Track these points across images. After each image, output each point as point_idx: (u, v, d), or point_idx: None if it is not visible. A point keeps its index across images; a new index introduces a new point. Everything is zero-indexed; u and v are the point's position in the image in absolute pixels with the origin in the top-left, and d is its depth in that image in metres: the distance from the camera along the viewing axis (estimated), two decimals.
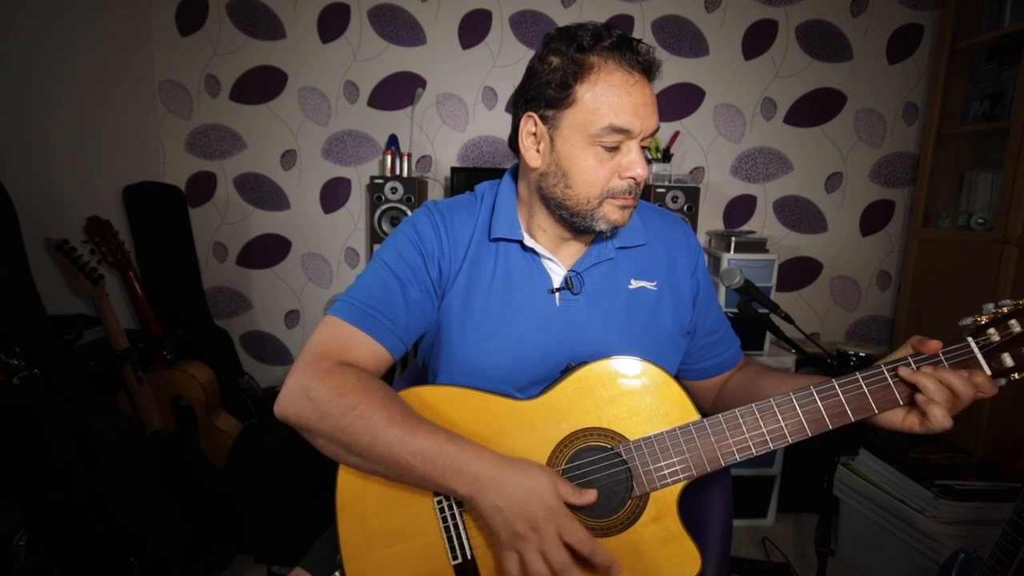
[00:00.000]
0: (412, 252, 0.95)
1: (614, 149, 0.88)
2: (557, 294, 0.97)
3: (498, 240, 0.98)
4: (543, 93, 0.88)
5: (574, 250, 1.00)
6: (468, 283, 0.97)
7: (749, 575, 2.01)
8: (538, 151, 0.92)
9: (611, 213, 0.91)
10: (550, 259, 0.98)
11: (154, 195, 2.36)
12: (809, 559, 2.13)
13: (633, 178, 0.89)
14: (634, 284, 1.00)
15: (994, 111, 2.17)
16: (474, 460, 0.78)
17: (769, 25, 2.52)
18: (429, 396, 0.89)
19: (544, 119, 0.90)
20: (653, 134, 0.90)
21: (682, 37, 2.53)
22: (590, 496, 0.80)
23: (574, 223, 0.93)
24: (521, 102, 0.93)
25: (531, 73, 0.91)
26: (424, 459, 0.78)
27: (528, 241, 0.98)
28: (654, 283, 1.01)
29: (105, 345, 1.89)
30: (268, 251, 2.67)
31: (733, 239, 2.27)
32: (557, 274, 0.99)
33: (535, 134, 0.92)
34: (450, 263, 0.97)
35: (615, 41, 0.86)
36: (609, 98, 0.84)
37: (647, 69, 0.87)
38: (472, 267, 0.97)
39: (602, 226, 0.92)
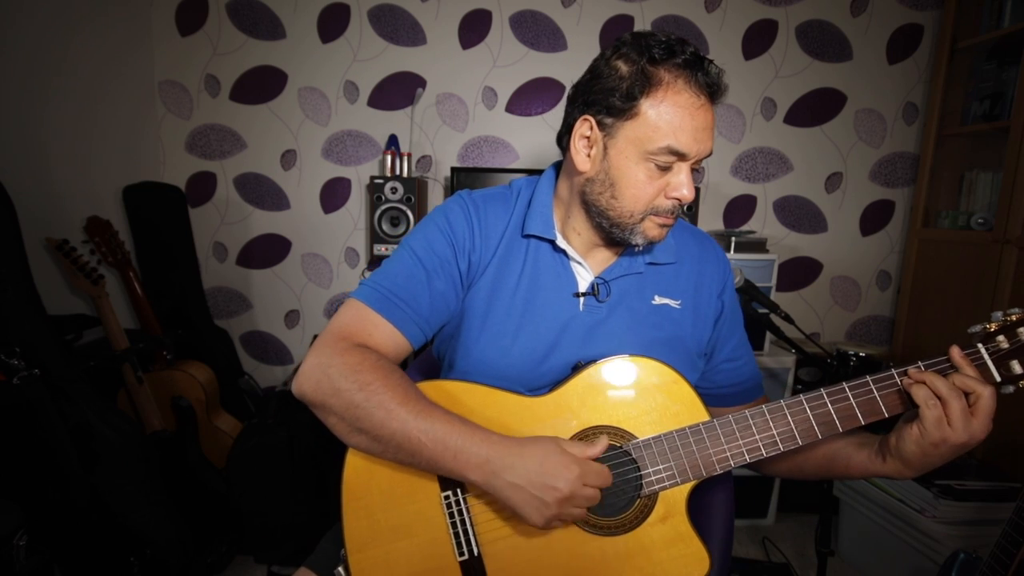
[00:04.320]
0: (442, 243, 0.95)
1: (666, 168, 0.86)
2: (582, 299, 0.96)
3: (530, 237, 0.98)
4: (605, 99, 0.86)
5: (604, 257, 0.99)
6: (496, 278, 0.96)
7: (749, 575, 2.01)
8: (589, 156, 0.90)
9: (650, 230, 0.90)
10: (579, 263, 0.98)
11: (154, 195, 2.36)
12: (809, 559, 2.13)
13: (678, 199, 0.88)
14: (658, 300, 0.99)
15: (994, 111, 2.18)
16: (483, 443, 0.79)
17: (769, 25, 2.52)
18: (443, 387, 0.89)
19: (601, 125, 0.88)
20: (707, 157, 0.88)
21: (682, 37, 2.52)
22: (601, 446, 0.81)
23: (612, 233, 0.92)
24: (579, 102, 0.90)
25: (595, 74, 0.88)
26: (435, 439, 0.79)
27: (560, 242, 0.97)
28: (678, 301, 1.00)
29: (105, 345, 1.88)
30: (268, 251, 2.66)
31: (733, 239, 2.27)
32: (584, 278, 0.98)
33: (588, 138, 0.90)
34: (480, 256, 0.96)
35: (688, 59, 0.83)
36: (672, 118, 0.83)
37: (714, 92, 0.85)
38: (502, 262, 0.97)
39: (639, 240, 0.91)
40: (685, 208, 2.18)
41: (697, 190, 2.26)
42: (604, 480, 0.78)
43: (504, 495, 0.78)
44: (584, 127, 0.90)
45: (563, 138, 0.95)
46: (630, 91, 0.83)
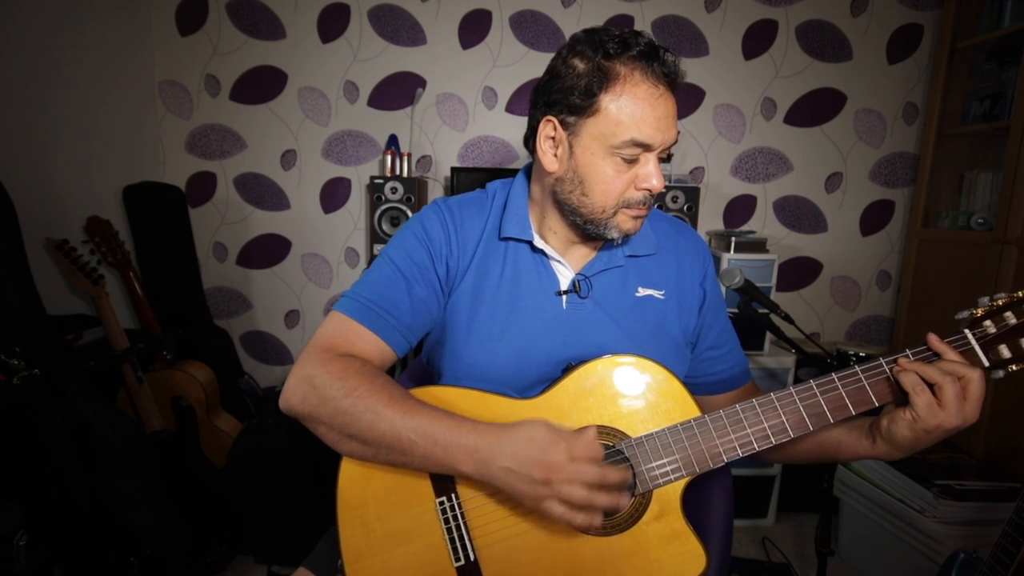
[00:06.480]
0: (419, 250, 0.95)
1: (632, 161, 0.87)
2: (564, 297, 0.97)
3: (508, 240, 0.98)
4: (565, 99, 0.86)
5: (583, 253, 1.00)
6: (476, 282, 0.97)
7: (749, 575, 2.01)
8: (556, 156, 0.91)
9: (624, 223, 0.91)
10: (559, 261, 0.98)
11: (154, 195, 2.36)
12: (809, 559, 2.13)
13: (649, 190, 0.88)
14: (641, 292, 0.99)
15: (994, 111, 2.17)
16: (471, 433, 0.79)
17: (769, 25, 2.52)
18: (434, 393, 0.89)
19: (564, 124, 0.88)
20: (672, 145, 0.89)
21: (682, 37, 2.53)
22: (590, 432, 0.78)
23: (586, 229, 0.93)
24: (541, 104, 0.91)
25: (553, 75, 0.89)
26: (424, 435, 0.79)
27: (538, 242, 0.97)
28: (662, 292, 1.00)
29: (105, 345, 1.89)
30: (268, 251, 2.67)
31: (733, 239, 2.27)
32: (565, 276, 0.98)
33: (553, 138, 0.91)
34: (458, 261, 0.97)
35: (643, 50, 0.84)
36: (633, 111, 0.83)
37: (672, 80, 0.86)
38: (480, 266, 0.97)
39: (614, 234, 0.92)
40: (686, 208, 2.21)
41: (697, 190, 2.26)
42: (594, 453, 0.76)
43: (498, 481, 0.78)
44: (548, 128, 0.90)
45: (529, 140, 0.96)
46: (588, 88, 0.84)
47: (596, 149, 0.87)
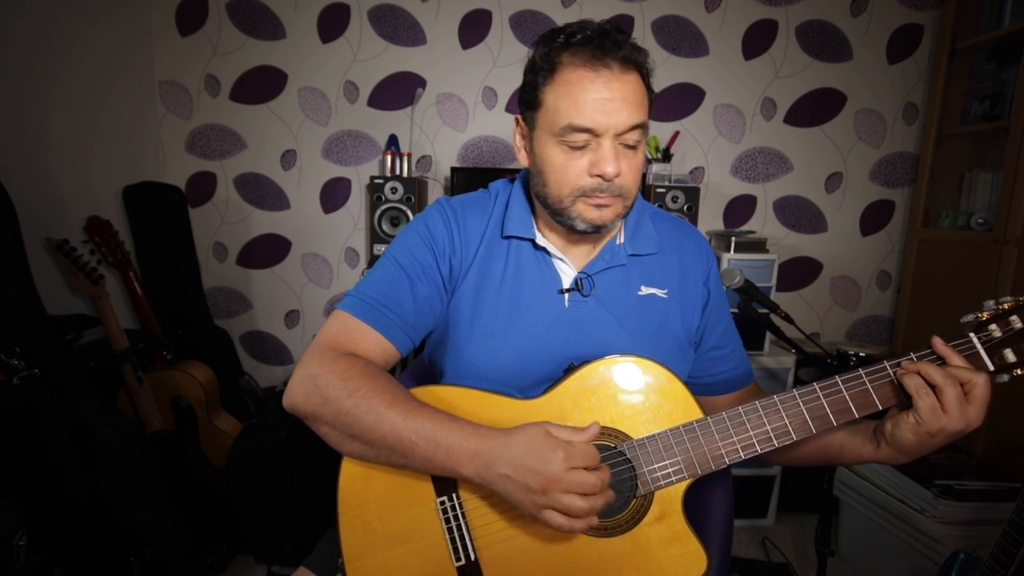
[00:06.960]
0: (423, 249, 0.96)
1: (582, 147, 0.86)
2: (567, 295, 0.97)
3: (510, 238, 0.99)
4: (523, 97, 0.92)
5: (584, 251, 1.00)
6: (479, 280, 0.97)
7: (749, 575, 2.01)
8: (526, 151, 0.95)
9: (586, 212, 0.89)
10: (561, 259, 0.98)
11: (154, 195, 2.36)
12: (809, 559, 2.13)
13: (600, 175, 0.86)
14: (644, 291, 0.99)
15: (994, 111, 2.17)
16: (472, 436, 0.79)
17: (769, 25, 2.52)
18: (436, 392, 0.89)
19: (526, 121, 0.94)
20: (634, 129, 0.86)
21: (682, 37, 2.53)
22: (592, 430, 0.78)
23: (559, 221, 0.94)
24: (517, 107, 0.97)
25: (523, 76, 0.94)
26: (426, 438, 0.79)
27: (540, 240, 0.98)
28: (665, 291, 1.00)
29: (105, 345, 1.89)
30: (268, 251, 2.67)
31: (733, 239, 2.27)
32: (567, 275, 0.98)
33: (523, 136, 0.95)
34: (461, 260, 0.97)
35: (587, 35, 0.85)
36: (568, 97, 0.84)
37: (624, 62, 0.84)
38: (483, 264, 0.97)
39: (580, 225, 0.90)
40: (686, 208, 2.21)
41: (696, 190, 2.26)
42: (591, 459, 0.76)
43: (497, 487, 0.78)
44: (517, 127, 0.96)
45: None
46: (533, 82, 0.89)
47: (545, 140, 0.89)
